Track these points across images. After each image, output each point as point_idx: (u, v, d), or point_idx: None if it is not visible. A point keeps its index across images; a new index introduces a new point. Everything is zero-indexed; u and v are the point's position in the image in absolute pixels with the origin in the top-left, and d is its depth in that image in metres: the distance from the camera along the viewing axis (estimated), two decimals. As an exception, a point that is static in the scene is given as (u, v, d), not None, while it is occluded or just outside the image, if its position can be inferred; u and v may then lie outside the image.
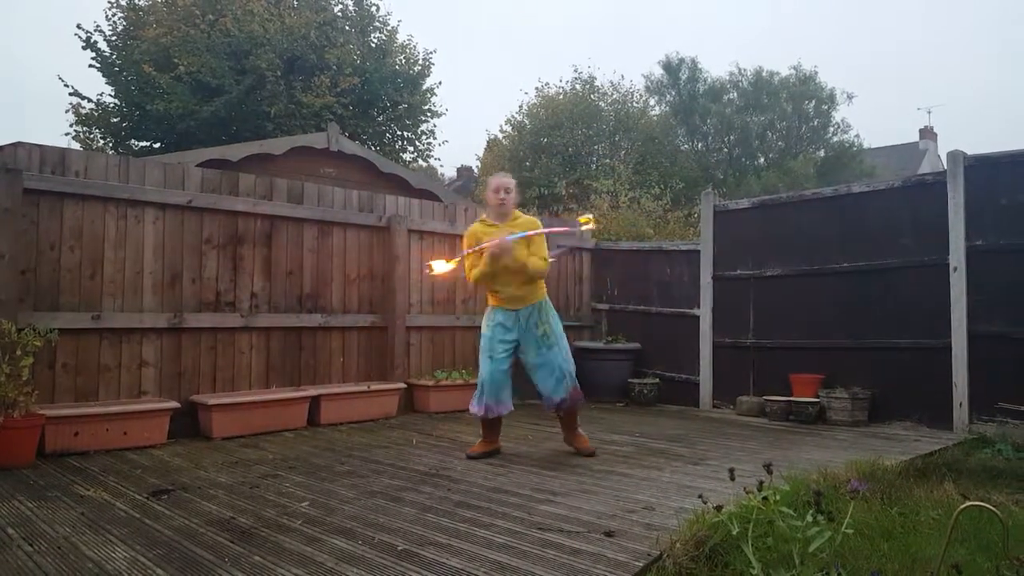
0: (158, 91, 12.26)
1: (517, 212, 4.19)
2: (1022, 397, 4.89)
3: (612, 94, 19.94)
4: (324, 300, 5.63)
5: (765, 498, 1.92)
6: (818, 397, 5.70)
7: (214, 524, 2.80)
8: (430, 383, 5.92)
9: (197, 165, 6.78)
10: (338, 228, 5.74)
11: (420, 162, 16.04)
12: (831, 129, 21.21)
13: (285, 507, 3.04)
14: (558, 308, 7.30)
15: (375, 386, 5.59)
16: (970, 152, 5.30)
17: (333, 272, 5.70)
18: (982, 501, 2.20)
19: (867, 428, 5.40)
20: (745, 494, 2.16)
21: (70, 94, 13.13)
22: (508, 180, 4.13)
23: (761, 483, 2.03)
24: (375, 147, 14.20)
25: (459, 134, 49.36)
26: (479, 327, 6.82)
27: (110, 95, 13.09)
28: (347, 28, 14.15)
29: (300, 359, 5.46)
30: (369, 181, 8.60)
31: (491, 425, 4.18)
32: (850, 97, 21.81)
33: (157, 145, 12.88)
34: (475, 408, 4.10)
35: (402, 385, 5.78)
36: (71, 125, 13.08)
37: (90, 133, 13.18)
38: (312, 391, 5.21)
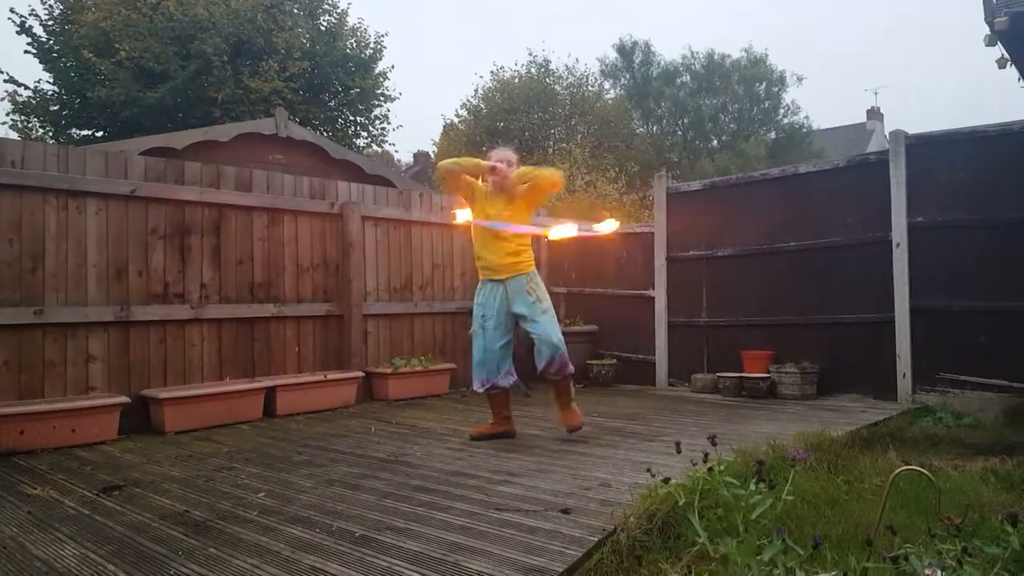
0: (99, 77, 11.87)
1: (511, 178, 4.08)
2: (960, 367, 5.10)
3: (567, 78, 19.94)
4: (277, 289, 5.58)
5: (711, 469, 1.99)
6: (769, 373, 5.85)
7: (167, 518, 2.76)
8: (388, 371, 5.92)
9: (140, 153, 6.60)
10: (289, 216, 5.67)
11: (374, 148, 15.86)
12: (782, 111, 21.62)
13: (241, 499, 3.02)
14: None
15: (332, 375, 5.57)
16: (912, 132, 5.46)
17: (285, 261, 5.65)
18: (922, 467, 2.30)
19: (816, 401, 5.55)
20: (692, 467, 2.22)
21: (4, 81, 12.65)
22: (506, 153, 4.11)
23: (706, 455, 2.10)
24: (327, 133, 13.99)
25: (415, 119, 48.83)
26: (438, 313, 6.95)
27: (48, 82, 12.63)
28: (295, 11, 13.86)
29: (254, 350, 5.40)
30: (320, 168, 8.50)
31: (496, 402, 4.12)
32: (800, 79, 22.31)
33: (100, 133, 12.49)
34: (476, 387, 4.08)
35: (360, 374, 5.76)
36: (7, 114, 12.61)
37: (28, 122, 12.71)
38: (267, 382, 5.17)
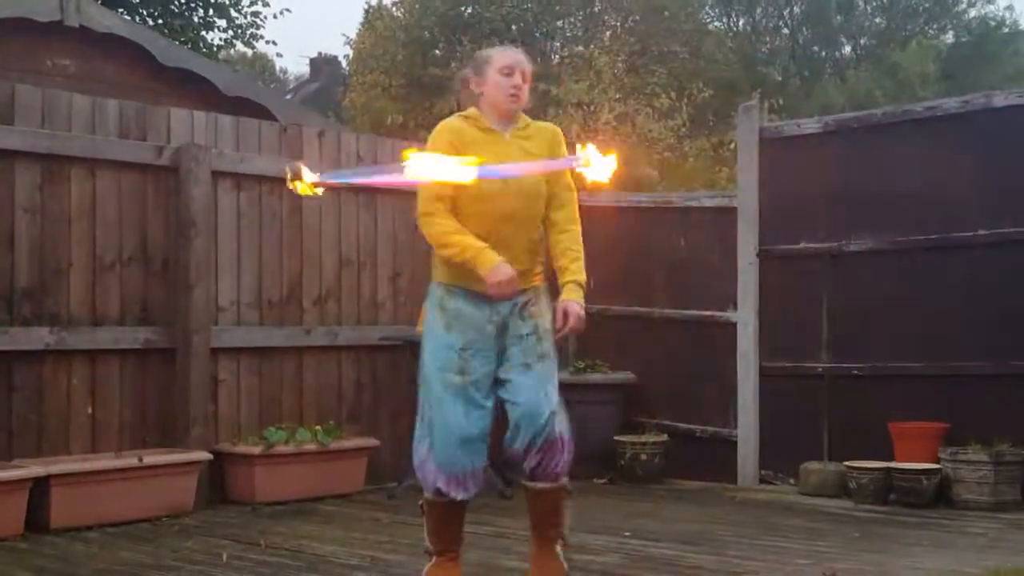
0: None
1: (526, 117, 4.13)
2: None
3: (588, -70, 20.06)
4: (55, 301, 5.53)
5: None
6: (939, 461, 5.83)
7: None
8: (256, 451, 5.87)
9: None
10: (81, 169, 5.62)
11: (239, 47, 15.84)
12: (965, -4, 21.88)
13: None
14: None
15: (154, 457, 5.51)
16: None
17: (73, 249, 5.59)
18: None
19: (1021, 513, 5.53)
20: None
21: None
22: (523, 58, 4.12)
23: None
24: (156, 20, 13.91)
25: (314, 2, 48.76)
26: (348, 347, 6.89)
27: None
28: None
29: (10, 409, 5.34)
30: (141, 83, 8.43)
31: (449, 519, 4.03)
32: (998, -61, 22.50)
33: None
34: (438, 484, 3.92)
35: (204, 455, 5.71)
36: None
37: None
38: (34, 469, 5.10)
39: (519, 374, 3.96)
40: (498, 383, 4.01)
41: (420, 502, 4.05)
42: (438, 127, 4.12)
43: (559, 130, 4.22)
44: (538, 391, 3.96)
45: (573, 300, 3.97)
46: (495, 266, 3.84)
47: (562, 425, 4.00)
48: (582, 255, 4.05)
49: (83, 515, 5.18)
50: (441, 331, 4.00)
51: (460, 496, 3.95)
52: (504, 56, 4.12)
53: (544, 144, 4.08)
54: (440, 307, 4.05)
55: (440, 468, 3.93)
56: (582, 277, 4.03)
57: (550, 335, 4.06)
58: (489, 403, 3.98)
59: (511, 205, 3.95)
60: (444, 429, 3.93)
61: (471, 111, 4.14)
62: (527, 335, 4.00)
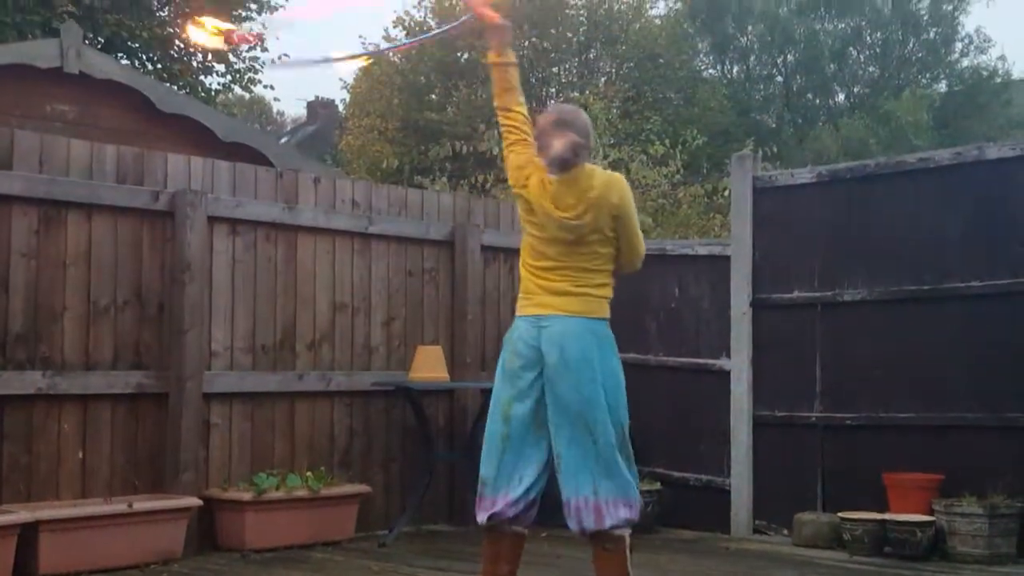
0: None
1: (593, 169, 4.08)
2: None
3: (585, -21, 20.24)
4: (49, 345, 5.54)
5: None
6: (933, 513, 5.82)
7: None
8: (246, 496, 5.85)
9: None
10: (78, 213, 5.64)
11: (237, 90, 15.90)
12: (958, 46, 22.06)
13: None
14: (472, 354, 7.32)
15: (144, 503, 5.49)
16: None
17: (68, 293, 5.60)
18: None
19: (1017, 567, 5.52)
20: None
21: None
22: (574, 118, 4.07)
23: None
24: (153, 65, 13.99)
25: (312, 44, 48.99)
26: (340, 392, 6.88)
27: None
28: None
29: (0, 454, 5.33)
30: (139, 128, 8.50)
31: (496, 546, 4.00)
32: (992, -10, 22.60)
33: None
34: (497, 507, 3.91)
35: (195, 501, 5.69)
36: None
37: None
38: (22, 515, 5.07)
39: (567, 453, 4.04)
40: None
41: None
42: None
43: (623, 181, 4.18)
44: (592, 477, 4.07)
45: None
46: None
47: (632, 496, 4.10)
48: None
49: (72, 561, 5.16)
50: (504, 353, 4.06)
51: (508, 515, 3.97)
52: (553, 119, 4.12)
53: (604, 198, 4.01)
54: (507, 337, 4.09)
55: (487, 486, 4.00)
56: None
57: (614, 397, 4.18)
58: (529, 416, 4.01)
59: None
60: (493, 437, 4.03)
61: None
62: (582, 395, 4.03)
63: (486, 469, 3.97)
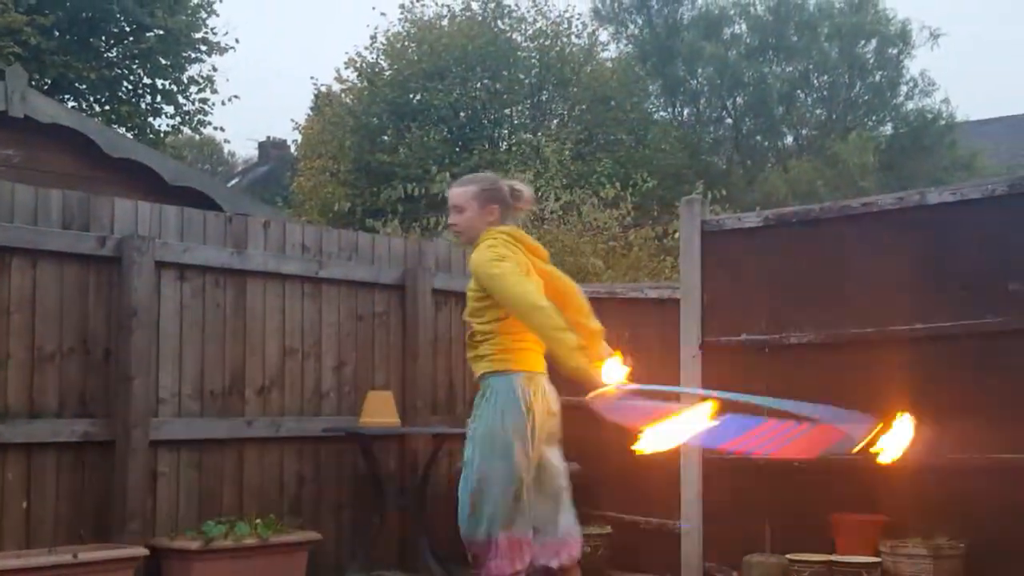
0: None
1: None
2: None
3: (536, 21, 20.40)
4: (-8, 393, 5.49)
5: None
6: (879, 554, 5.85)
7: None
8: (194, 545, 5.79)
9: None
10: (22, 260, 5.61)
11: (187, 132, 15.86)
12: (903, 89, 22.39)
13: None
14: (424, 398, 7.33)
15: (89, 554, 5.43)
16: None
17: (12, 340, 5.57)
18: None
19: (962, 607, 5.58)
20: None
21: None
22: (451, 191, 4.63)
23: None
24: (100, 106, 13.94)
25: (264, 86, 49.06)
26: (291, 438, 6.81)
27: None
28: None
29: (-57, 505, 5.28)
30: (86, 172, 8.48)
31: None
32: (935, 36, 23.05)
33: None
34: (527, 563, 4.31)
35: (141, 551, 5.63)
36: None
37: None
38: (-35, 567, 5.02)
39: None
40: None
41: None
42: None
43: (474, 260, 4.49)
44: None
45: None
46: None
47: (484, 527, 4.42)
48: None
49: (15, 614, 5.10)
50: (526, 411, 4.73)
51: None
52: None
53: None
54: (513, 392, 4.67)
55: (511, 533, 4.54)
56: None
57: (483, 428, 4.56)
58: None
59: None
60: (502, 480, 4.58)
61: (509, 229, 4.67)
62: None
63: None
